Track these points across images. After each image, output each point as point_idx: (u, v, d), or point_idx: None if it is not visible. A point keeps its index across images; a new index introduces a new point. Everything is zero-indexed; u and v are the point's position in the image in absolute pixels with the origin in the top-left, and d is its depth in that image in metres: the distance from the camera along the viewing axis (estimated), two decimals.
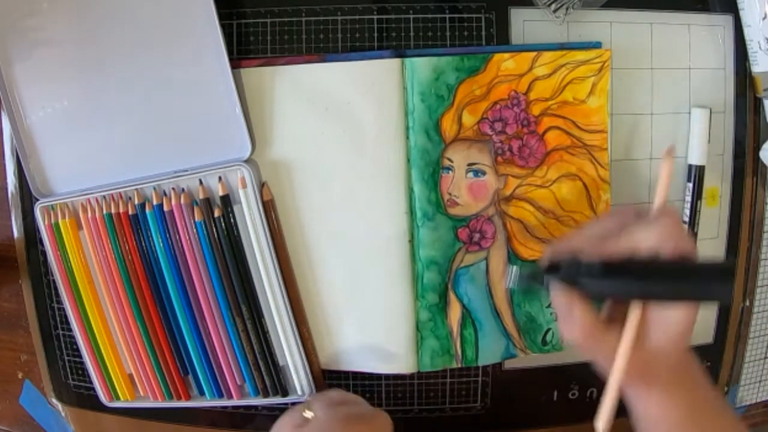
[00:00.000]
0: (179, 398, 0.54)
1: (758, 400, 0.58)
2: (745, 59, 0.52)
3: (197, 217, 0.50)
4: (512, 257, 0.51)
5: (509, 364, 0.55)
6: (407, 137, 0.49)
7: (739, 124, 0.53)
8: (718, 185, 0.53)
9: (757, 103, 0.53)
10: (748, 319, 0.55)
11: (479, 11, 0.50)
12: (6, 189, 0.55)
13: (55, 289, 0.55)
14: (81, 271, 0.52)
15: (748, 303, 0.55)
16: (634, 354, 0.39)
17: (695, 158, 0.52)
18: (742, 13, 0.50)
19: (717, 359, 0.56)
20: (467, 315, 0.52)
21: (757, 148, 0.53)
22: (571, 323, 0.39)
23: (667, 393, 0.41)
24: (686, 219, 0.52)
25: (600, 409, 0.39)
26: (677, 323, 0.38)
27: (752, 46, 0.50)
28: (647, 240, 0.37)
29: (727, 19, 0.52)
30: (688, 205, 0.52)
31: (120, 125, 0.51)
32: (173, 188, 0.50)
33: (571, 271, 0.38)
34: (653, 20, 0.51)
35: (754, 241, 0.54)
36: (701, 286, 0.36)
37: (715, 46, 0.52)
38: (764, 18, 0.48)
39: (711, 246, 0.54)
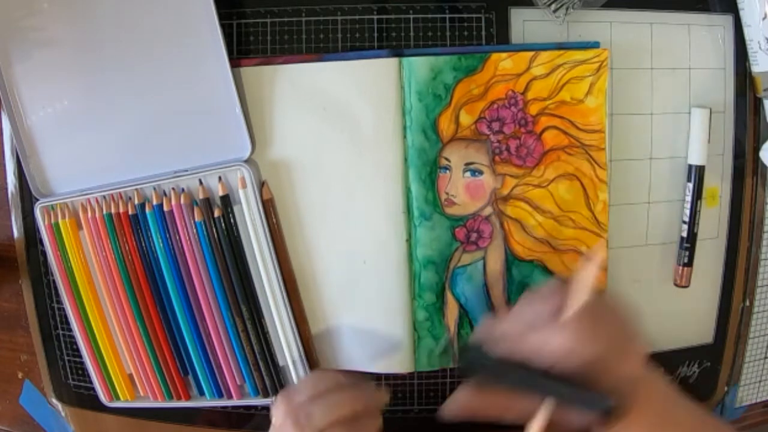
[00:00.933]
0: (179, 398, 0.54)
1: (758, 400, 0.57)
2: (745, 59, 0.51)
3: (197, 217, 0.50)
4: (509, 257, 0.51)
5: None
6: (404, 137, 0.49)
7: (739, 124, 0.53)
8: (718, 185, 0.53)
9: (757, 103, 0.53)
10: (748, 319, 0.55)
11: (479, 11, 0.50)
12: (6, 189, 0.55)
13: (55, 289, 0.55)
14: (81, 271, 0.52)
15: (748, 303, 0.55)
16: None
17: (695, 158, 0.52)
18: (742, 13, 0.50)
19: (717, 359, 0.55)
20: (464, 315, 0.52)
21: (757, 148, 0.53)
22: (451, 400, 0.42)
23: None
24: (686, 219, 0.52)
25: None
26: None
27: (752, 46, 0.50)
28: (547, 345, 0.39)
29: (727, 19, 0.51)
30: (688, 205, 0.52)
31: (120, 125, 0.51)
32: (173, 188, 0.50)
33: (474, 358, 0.42)
34: (653, 20, 0.51)
35: (754, 241, 0.54)
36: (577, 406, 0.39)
37: (715, 46, 0.52)
38: (764, 18, 0.48)
39: (711, 246, 0.54)
